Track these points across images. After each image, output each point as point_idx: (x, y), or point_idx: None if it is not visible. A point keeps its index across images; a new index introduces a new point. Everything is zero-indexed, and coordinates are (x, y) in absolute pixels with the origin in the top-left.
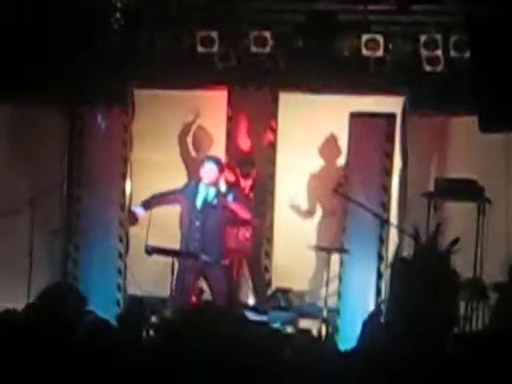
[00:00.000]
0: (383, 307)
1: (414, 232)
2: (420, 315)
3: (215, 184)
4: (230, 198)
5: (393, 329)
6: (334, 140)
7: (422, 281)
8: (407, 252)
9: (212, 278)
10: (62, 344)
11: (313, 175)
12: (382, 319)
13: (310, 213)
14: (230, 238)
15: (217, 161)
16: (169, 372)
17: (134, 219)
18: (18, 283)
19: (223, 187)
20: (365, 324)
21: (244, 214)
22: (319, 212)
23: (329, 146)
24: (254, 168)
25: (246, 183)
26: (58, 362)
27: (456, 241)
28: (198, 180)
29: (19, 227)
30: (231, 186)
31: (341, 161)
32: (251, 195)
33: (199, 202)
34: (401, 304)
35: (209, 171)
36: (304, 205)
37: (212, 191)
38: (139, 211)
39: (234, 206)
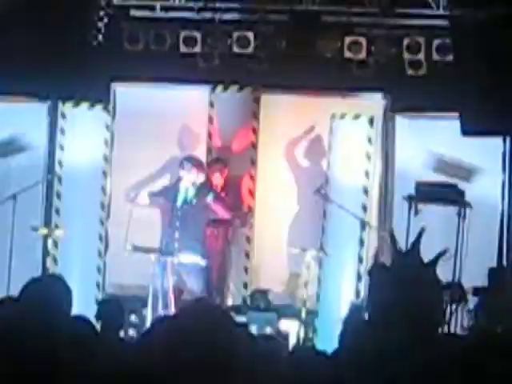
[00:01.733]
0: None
1: (390, 236)
2: (400, 323)
3: (194, 184)
4: (209, 197)
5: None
6: (320, 141)
7: (402, 289)
8: (386, 255)
9: (191, 278)
10: (43, 341)
11: (294, 176)
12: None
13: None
14: (208, 239)
15: (194, 161)
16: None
17: None
18: None
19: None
20: (345, 322)
21: (224, 213)
22: (299, 213)
23: (314, 147)
24: (225, 167)
25: (217, 182)
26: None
27: (443, 253)
28: (178, 180)
29: (0, 222)
30: (211, 186)
31: (325, 161)
32: (222, 194)
33: (179, 202)
34: (381, 311)
35: (187, 172)
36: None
37: (191, 191)
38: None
39: (214, 206)
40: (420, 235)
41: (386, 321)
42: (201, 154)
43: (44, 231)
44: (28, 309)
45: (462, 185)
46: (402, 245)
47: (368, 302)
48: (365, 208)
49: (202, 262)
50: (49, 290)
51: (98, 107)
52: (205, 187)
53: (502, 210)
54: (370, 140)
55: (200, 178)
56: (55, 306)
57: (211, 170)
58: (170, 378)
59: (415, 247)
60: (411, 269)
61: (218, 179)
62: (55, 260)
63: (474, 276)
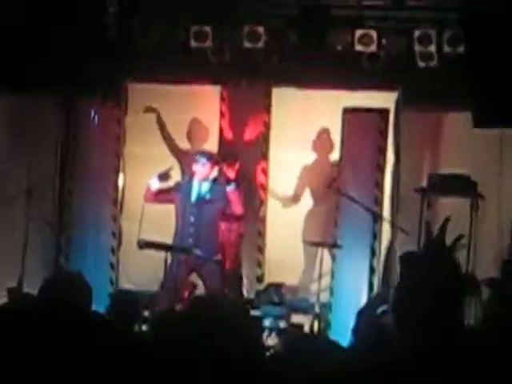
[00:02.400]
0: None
1: (425, 227)
2: (427, 311)
3: (208, 179)
4: (230, 187)
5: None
6: (327, 134)
7: (432, 277)
8: (400, 247)
9: (205, 273)
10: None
11: (306, 169)
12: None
13: (294, 200)
14: (221, 233)
15: (209, 156)
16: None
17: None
18: (9, 274)
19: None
20: (359, 315)
21: (238, 207)
22: (312, 206)
23: (321, 140)
24: (237, 161)
25: (229, 176)
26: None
27: (460, 238)
28: (192, 175)
29: (14, 217)
30: (228, 179)
31: (334, 155)
32: (240, 189)
33: (193, 198)
34: (409, 298)
35: (202, 166)
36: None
37: (205, 186)
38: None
39: (233, 195)
40: (446, 223)
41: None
42: (212, 148)
43: None
44: (49, 306)
45: (474, 176)
46: (415, 237)
47: (399, 284)
48: (377, 201)
49: (216, 257)
50: (69, 287)
51: (110, 103)
52: (220, 181)
53: None
54: (381, 133)
55: (214, 172)
56: (76, 303)
57: (223, 165)
58: (183, 368)
59: (442, 236)
60: (441, 257)
61: (230, 173)
62: (67, 257)
63: (488, 267)
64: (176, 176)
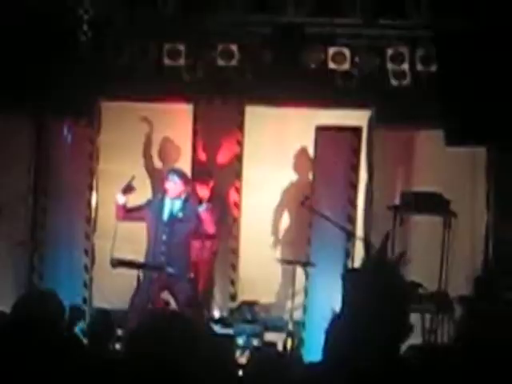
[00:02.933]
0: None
1: (365, 243)
2: (370, 325)
3: (180, 197)
4: (202, 207)
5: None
6: (306, 153)
7: (371, 291)
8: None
9: (177, 291)
10: (32, 354)
11: (280, 188)
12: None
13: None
14: (194, 251)
15: (181, 174)
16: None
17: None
18: None
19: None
20: (327, 332)
21: (210, 227)
22: (286, 224)
23: (301, 160)
24: (210, 180)
25: (202, 195)
26: (25, 374)
27: (403, 254)
28: (164, 193)
29: None
30: (201, 199)
31: (309, 173)
32: (211, 208)
33: (165, 216)
34: (353, 314)
35: (173, 184)
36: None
37: (177, 204)
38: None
39: (205, 215)
40: (386, 239)
41: (358, 323)
42: (185, 166)
43: None
44: (22, 324)
45: (446, 194)
46: (388, 254)
47: (342, 304)
48: (350, 219)
49: (188, 275)
50: (42, 304)
51: (83, 121)
52: (192, 199)
53: (488, 220)
54: (354, 151)
55: (186, 190)
56: (50, 321)
57: (197, 183)
58: None
59: (381, 251)
60: (380, 272)
61: (203, 192)
62: (41, 275)
63: (460, 285)
64: (144, 190)
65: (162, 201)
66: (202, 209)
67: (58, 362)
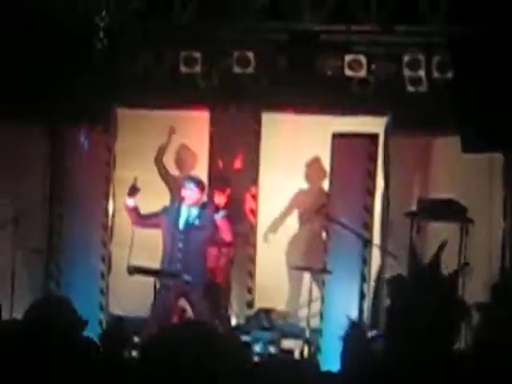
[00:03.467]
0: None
1: (410, 249)
2: (421, 333)
3: (197, 204)
4: (219, 215)
5: (392, 345)
6: (319, 163)
7: (426, 300)
8: (390, 272)
9: (194, 299)
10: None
11: (296, 195)
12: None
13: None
14: (210, 259)
15: (197, 181)
16: None
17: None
18: None
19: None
20: (345, 340)
21: (227, 234)
22: (302, 232)
23: (313, 170)
24: (227, 187)
25: (219, 202)
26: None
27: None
28: (180, 201)
29: (1, 246)
30: (217, 206)
31: (326, 182)
32: (228, 215)
33: (181, 223)
34: (402, 321)
35: (190, 192)
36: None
37: (194, 212)
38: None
39: (221, 222)
40: (441, 248)
41: (402, 330)
42: (201, 173)
43: None
44: (33, 330)
45: (463, 201)
46: (405, 261)
47: (388, 311)
48: (366, 226)
49: (205, 282)
50: (55, 310)
51: (99, 128)
52: (209, 207)
53: (505, 226)
54: (371, 158)
55: (202, 198)
56: (61, 327)
57: (213, 190)
58: None
59: (435, 260)
60: (430, 281)
61: (220, 199)
62: (57, 283)
63: (478, 292)
64: (161, 196)
65: (178, 208)
66: (219, 216)
67: (70, 369)
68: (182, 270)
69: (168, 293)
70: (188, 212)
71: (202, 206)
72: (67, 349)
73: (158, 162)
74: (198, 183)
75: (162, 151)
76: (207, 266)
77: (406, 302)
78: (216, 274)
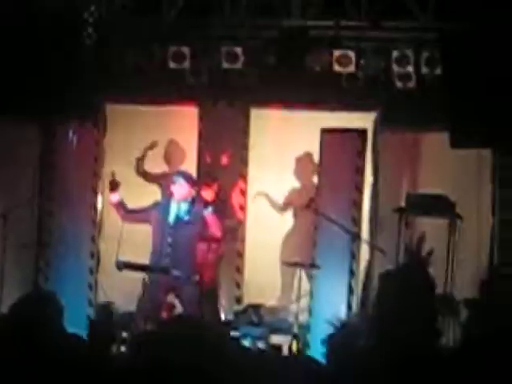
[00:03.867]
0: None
1: (397, 245)
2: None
3: (186, 199)
4: (208, 210)
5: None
6: (309, 158)
7: (406, 292)
8: (378, 267)
9: (183, 294)
10: (32, 356)
11: (290, 190)
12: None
13: (283, 209)
14: (200, 254)
15: (186, 176)
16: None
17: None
18: None
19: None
20: (328, 340)
21: (216, 230)
22: (291, 227)
23: (304, 163)
24: (216, 183)
25: (207, 197)
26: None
27: (431, 252)
28: (170, 196)
29: None
30: (206, 202)
31: (315, 177)
32: (218, 210)
33: (171, 219)
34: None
35: (179, 187)
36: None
37: (183, 207)
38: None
39: (210, 218)
40: (421, 240)
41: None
42: (190, 169)
43: None
44: (18, 325)
45: (452, 196)
46: (393, 257)
47: (376, 305)
48: (355, 221)
49: (194, 278)
50: (40, 305)
51: (88, 124)
52: (199, 202)
53: (493, 222)
54: (359, 153)
55: (192, 193)
56: (46, 321)
57: (201, 186)
58: None
59: (415, 252)
60: (414, 272)
61: (208, 194)
62: (46, 278)
63: (466, 288)
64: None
65: (168, 203)
66: (208, 211)
67: (57, 364)
68: (172, 265)
69: (156, 288)
70: (177, 207)
71: (192, 201)
72: (53, 344)
73: (140, 172)
74: (187, 178)
75: (140, 163)
76: (196, 261)
77: (390, 296)
78: (205, 270)
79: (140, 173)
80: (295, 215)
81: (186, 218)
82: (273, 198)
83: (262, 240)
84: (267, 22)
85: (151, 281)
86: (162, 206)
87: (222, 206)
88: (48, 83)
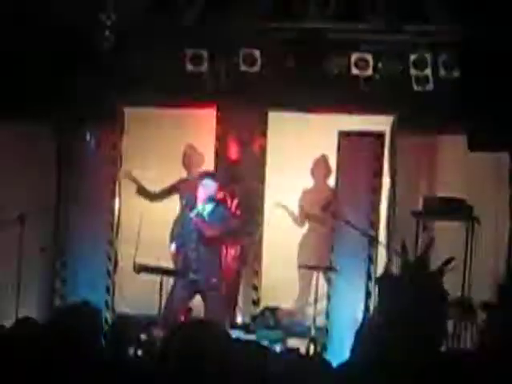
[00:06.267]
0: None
1: (401, 247)
2: (406, 330)
3: (211, 201)
4: (228, 213)
5: (379, 341)
6: (325, 160)
7: (410, 297)
8: (396, 269)
9: (208, 296)
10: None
11: (302, 194)
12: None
13: (301, 223)
14: (224, 257)
15: (214, 178)
16: None
17: None
18: (5, 301)
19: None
20: (357, 335)
21: (208, 230)
22: (308, 231)
23: (319, 166)
24: (234, 184)
25: (232, 201)
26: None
27: (449, 260)
28: (196, 197)
29: (8, 244)
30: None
31: (331, 180)
32: (238, 213)
33: (196, 219)
34: (388, 318)
35: (207, 188)
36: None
37: (208, 208)
38: None
39: (199, 223)
40: (429, 246)
41: (391, 328)
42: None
43: None
44: (63, 335)
45: (470, 200)
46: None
47: (376, 309)
48: (372, 224)
49: (214, 281)
50: (79, 315)
51: (106, 127)
52: (221, 204)
53: (511, 226)
54: (377, 156)
55: (217, 195)
56: (88, 332)
57: (220, 189)
58: None
59: (424, 257)
60: (418, 278)
61: (233, 198)
62: (64, 281)
63: (484, 292)
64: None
65: (193, 203)
66: (228, 215)
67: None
68: (195, 267)
69: (183, 290)
70: (203, 208)
71: (217, 204)
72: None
73: (154, 197)
74: (215, 180)
75: (143, 191)
76: (221, 264)
77: (394, 299)
78: (228, 273)
79: (154, 198)
80: (311, 219)
81: (210, 219)
82: (291, 209)
83: (280, 242)
84: (285, 25)
85: (177, 283)
86: (188, 205)
87: (241, 209)
88: (66, 86)
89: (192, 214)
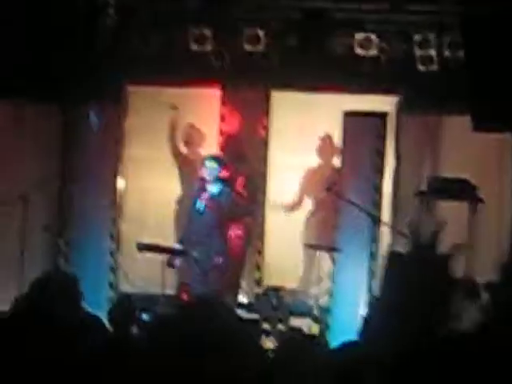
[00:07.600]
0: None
1: (411, 228)
2: (411, 313)
3: (217, 182)
4: (232, 193)
5: (383, 323)
6: (330, 139)
7: (418, 279)
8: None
9: (211, 275)
10: (52, 339)
11: (306, 173)
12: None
13: (296, 206)
14: (228, 236)
15: (218, 159)
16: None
17: None
18: (9, 279)
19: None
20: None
21: (240, 212)
22: (312, 210)
23: (324, 145)
24: (237, 164)
25: (238, 180)
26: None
27: (458, 246)
28: (201, 178)
29: (11, 222)
30: (225, 184)
31: (336, 159)
32: (244, 193)
33: (201, 199)
34: (393, 299)
35: (211, 170)
36: (290, 199)
37: (214, 189)
38: None
39: (209, 205)
40: (439, 228)
41: (397, 308)
42: (210, 152)
43: None
44: (38, 305)
45: (474, 180)
46: (415, 240)
47: (383, 285)
48: (376, 204)
49: (217, 260)
50: (54, 282)
51: (109, 106)
52: (226, 184)
53: None
54: (381, 136)
55: (222, 175)
56: (66, 302)
57: (223, 169)
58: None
59: (434, 240)
60: (428, 260)
61: (239, 177)
62: (67, 259)
63: (487, 271)
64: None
65: (200, 187)
66: (232, 194)
67: (76, 345)
68: (199, 246)
69: (189, 269)
70: (209, 189)
71: (222, 184)
72: (72, 325)
73: (171, 140)
74: (219, 161)
75: (173, 129)
76: (226, 243)
77: (400, 280)
78: (233, 252)
79: (171, 140)
80: (315, 199)
81: (217, 200)
82: (282, 201)
83: (283, 222)
84: (290, 4)
85: (184, 262)
86: (194, 190)
87: (244, 188)
88: (70, 65)
89: (203, 199)
